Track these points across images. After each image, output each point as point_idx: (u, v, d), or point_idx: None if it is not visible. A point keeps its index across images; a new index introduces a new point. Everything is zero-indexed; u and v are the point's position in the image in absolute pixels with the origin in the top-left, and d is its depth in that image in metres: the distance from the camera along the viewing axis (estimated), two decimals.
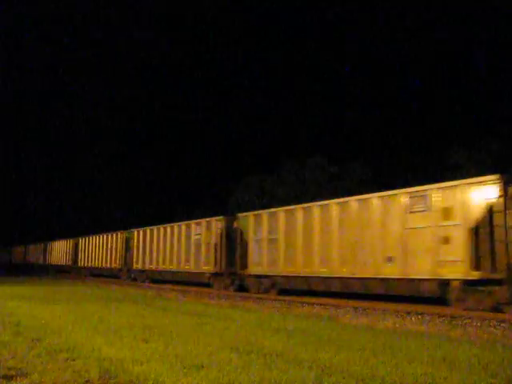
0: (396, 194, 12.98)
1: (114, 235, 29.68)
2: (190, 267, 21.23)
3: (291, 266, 15.89)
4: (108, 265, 30.19)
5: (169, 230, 23.55)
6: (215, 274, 19.60)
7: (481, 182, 11.25)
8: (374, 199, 13.57)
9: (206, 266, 20.04)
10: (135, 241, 26.91)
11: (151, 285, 23.85)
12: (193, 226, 21.50)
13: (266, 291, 16.97)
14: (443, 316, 10.55)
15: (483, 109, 33.80)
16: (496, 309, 10.77)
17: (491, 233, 10.86)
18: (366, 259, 13.45)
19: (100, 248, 31.69)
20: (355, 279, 13.79)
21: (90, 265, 33.45)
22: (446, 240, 11.55)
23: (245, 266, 17.98)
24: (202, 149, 67.34)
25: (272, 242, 16.77)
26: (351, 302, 13.63)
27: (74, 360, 5.28)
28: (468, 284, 11.15)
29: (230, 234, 19.03)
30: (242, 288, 18.38)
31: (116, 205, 58.37)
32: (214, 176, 50.43)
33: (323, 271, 14.73)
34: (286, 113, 66.28)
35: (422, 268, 11.99)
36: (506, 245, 10.51)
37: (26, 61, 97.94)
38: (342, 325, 9.18)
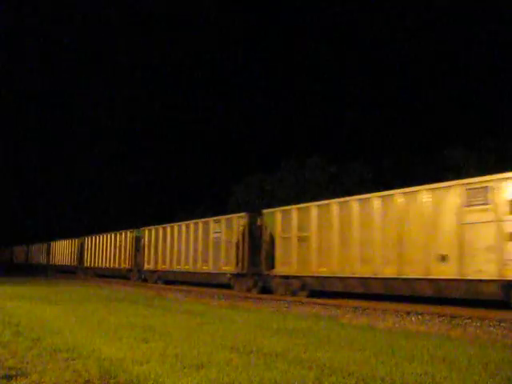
0: (450, 186, 11.86)
1: (123, 234, 28.35)
2: (208, 267, 19.97)
3: (325, 265, 14.63)
4: (116, 265, 28.91)
5: (184, 228, 22.27)
6: (237, 275, 18.36)
7: None
8: (423, 192, 12.33)
9: (227, 266, 18.80)
10: (146, 240, 25.72)
11: (163, 286, 22.88)
12: (211, 223, 20.20)
13: (295, 293, 15.76)
14: (443, 316, 10.55)
15: (483, 109, 33.81)
16: None
17: None
18: (414, 258, 12.23)
19: (107, 248, 30.44)
20: (400, 280, 12.58)
21: (96, 265, 32.20)
22: None
23: (271, 266, 16.74)
24: (202, 149, 67.39)
25: (303, 239, 15.52)
26: (351, 302, 13.63)
27: (74, 360, 5.28)
28: None
29: (253, 231, 17.81)
30: (265, 290, 17.25)
31: (116, 205, 58.39)
32: (214, 176, 50.51)
33: (363, 271, 13.45)
34: (286, 113, 66.31)
35: (482, 268, 10.84)
36: None
37: (26, 61, 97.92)
38: (342, 325, 9.18)
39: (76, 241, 36.72)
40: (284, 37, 76.21)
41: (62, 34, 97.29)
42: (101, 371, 4.72)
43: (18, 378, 4.55)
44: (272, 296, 15.99)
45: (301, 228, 15.69)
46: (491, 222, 10.88)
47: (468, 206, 11.36)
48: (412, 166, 28.92)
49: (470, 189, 11.43)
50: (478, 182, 11.42)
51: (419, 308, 11.88)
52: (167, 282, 23.58)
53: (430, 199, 12.17)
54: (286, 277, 16.19)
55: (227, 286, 19.13)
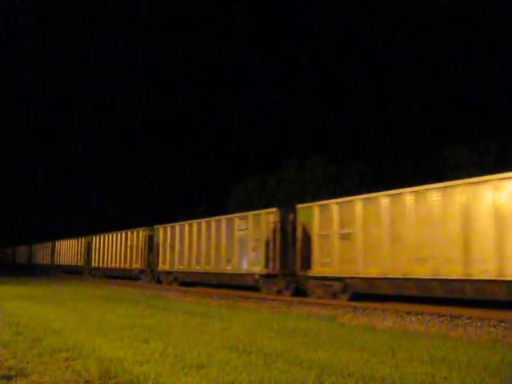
0: None
1: (135, 232, 26.78)
2: (233, 268, 18.46)
3: (373, 265, 13.20)
4: (127, 265, 27.33)
5: (204, 225, 20.66)
6: (266, 276, 16.84)
7: None
8: (494, 182, 11.00)
9: (254, 266, 17.29)
10: (161, 238, 24.10)
11: (178, 287, 21.51)
12: (236, 220, 18.65)
13: (335, 296, 14.36)
14: (443, 316, 10.55)
15: (483, 109, 33.82)
16: None
17: None
18: (486, 257, 10.88)
19: (117, 247, 28.76)
20: (468, 282, 11.12)
21: (105, 265, 30.50)
22: None
23: (307, 266, 15.22)
24: (201, 149, 67.40)
25: (345, 237, 14.08)
26: (351, 302, 13.62)
27: (73, 360, 5.28)
28: None
29: (285, 228, 16.34)
30: (299, 292, 15.83)
31: (116, 205, 58.41)
32: (213, 176, 50.52)
33: (421, 272, 12.04)
34: (286, 113, 66.31)
35: None
36: None
37: (26, 61, 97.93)
38: (342, 325, 9.18)
39: (83, 240, 35.13)
40: (284, 37, 76.28)
41: (61, 33, 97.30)
42: (101, 371, 4.71)
43: (18, 378, 4.55)
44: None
45: (343, 224, 14.24)
46: None
47: None
48: (412, 165, 28.94)
49: None
50: None
51: (419, 308, 11.89)
52: (184, 284, 22.14)
53: (508, 189, 10.72)
54: (325, 278, 14.73)
55: (253, 288, 17.66)
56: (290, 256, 16.05)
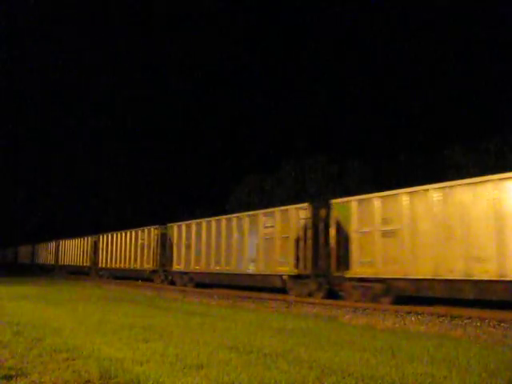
0: None
1: (146, 231, 25.52)
2: (257, 268, 17.19)
3: (422, 266, 11.99)
4: (138, 266, 26.00)
5: (224, 223, 19.34)
6: (296, 277, 15.65)
7: None
8: None
9: (282, 266, 16.04)
10: (175, 237, 22.80)
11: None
12: (260, 216, 17.37)
13: (375, 299, 13.17)
14: (443, 316, 10.55)
15: (483, 109, 33.83)
16: None
17: None
18: None
19: (127, 246, 27.48)
20: None
21: (113, 266, 29.16)
22: None
23: (344, 266, 14.02)
24: (201, 149, 67.40)
25: (389, 234, 12.91)
26: (351, 302, 13.62)
27: (73, 360, 5.28)
28: None
29: (317, 225, 15.20)
30: (332, 294, 14.80)
31: (116, 205, 58.41)
32: (213, 176, 50.53)
33: (482, 272, 10.76)
34: (286, 113, 66.32)
35: None
36: None
37: (26, 61, 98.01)
38: (342, 325, 9.18)
39: (89, 239, 33.67)
40: (284, 37, 76.27)
41: (61, 33, 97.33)
42: (101, 371, 4.72)
43: (18, 377, 4.55)
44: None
45: (387, 220, 13.03)
46: None
47: None
48: (412, 165, 28.94)
49: None
50: None
51: (419, 308, 11.89)
52: (199, 286, 20.96)
53: None
54: (364, 279, 13.50)
55: (279, 291, 16.51)
56: (322, 255, 14.93)
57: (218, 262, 19.45)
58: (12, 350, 5.74)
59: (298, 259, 15.50)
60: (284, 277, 16.04)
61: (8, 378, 4.55)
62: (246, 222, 18.13)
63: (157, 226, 24.78)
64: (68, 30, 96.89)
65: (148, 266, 25.00)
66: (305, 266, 15.29)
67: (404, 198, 12.73)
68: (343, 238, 14.20)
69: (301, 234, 15.46)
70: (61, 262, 39.79)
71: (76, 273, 35.56)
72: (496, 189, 10.91)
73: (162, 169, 63.43)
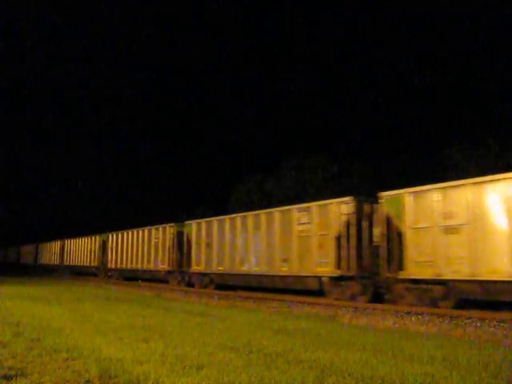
0: None
1: (161, 229, 24.00)
2: (291, 269, 15.71)
3: (498, 264, 10.54)
4: (152, 266, 24.50)
5: (250, 219, 17.87)
6: (337, 278, 14.19)
7: None
8: None
9: (321, 267, 14.55)
10: (193, 235, 21.24)
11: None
12: (294, 212, 15.91)
13: (433, 303, 11.86)
14: (443, 316, 10.55)
15: (483, 109, 33.85)
16: None
17: None
18: None
19: (139, 245, 26.07)
20: None
21: (124, 266, 27.72)
22: None
23: (396, 266, 12.60)
24: (202, 149, 67.40)
25: (452, 230, 11.53)
26: (351, 302, 13.61)
27: (74, 360, 5.28)
28: None
29: (360, 221, 13.93)
30: (378, 297, 13.41)
31: (116, 205, 58.43)
32: (214, 176, 50.55)
33: None
34: (286, 112, 66.32)
35: None
36: None
37: (26, 61, 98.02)
38: (342, 325, 9.18)
39: (97, 238, 32.15)
40: (284, 36, 76.30)
41: (61, 33, 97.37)
42: (101, 371, 4.71)
43: (18, 378, 4.55)
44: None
45: (448, 214, 11.65)
46: None
47: None
48: (412, 165, 28.95)
49: None
50: None
51: (419, 308, 11.88)
52: (221, 287, 19.49)
53: None
54: (421, 281, 12.16)
55: (316, 293, 15.14)
56: (367, 254, 13.63)
57: (243, 262, 18.03)
58: (12, 350, 5.74)
59: (340, 259, 14.03)
60: (325, 279, 14.53)
61: (8, 377, 4.55)
62: (276, 219, 16.65)
63: (173, 224, 23.33)
64: (68, 30, 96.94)
65: (163, 266, 23.45)
66: (348, 267, 13.80)
67: (467, 190, 11.40)
68: (394, 235, 12.78)
69: (343, 230, 14.04)
70: (66, 263, 38.56)
71: (83, 273, 34.37)
72: None
73: (161, 169, 63.48)
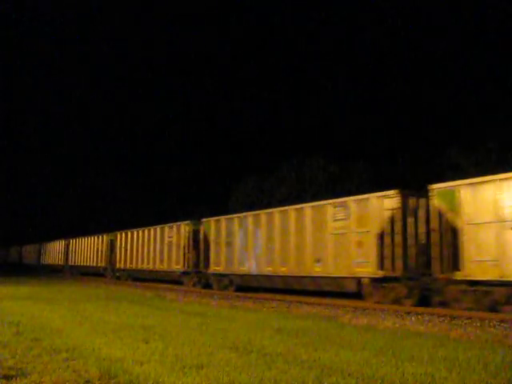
0: None
1: (175, 227, 22.59)
2: (325, 269, 14.42)
3: None
4: (165, 266, 23.09)
5: (277, 216, 16.59)
6: (379, 280, 12.96)
7: None
8: None
9: (360, 267, 13.30)
10: (212, 234, 19.87)
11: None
12: (328, 208, 14.61)
13: (494, 307, 10.69)
14: (443, 316, 10.55)
15: (483, 109, 33.85)
16: None
17: None
18: None
19: (151, 245, 24.79)
20: None
21: (134, 267, 26.55)
22: None
23: (451, 266, 11.38)
24: (202, 148, 67.44)
25: None
26: (351, 302, 13.61)
27: (74, 360, 5.28)
28: None
29: (406, 217, 12.60)
30: (424, 300, 12.21)
31: (116, 205, 58.42)
32: (214, 176, 50.58)
33: None
34: (286, 112, 66.38)
35: None
36: None
37: (26, 61, 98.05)
38: (342, 325, 9.18)
39: (105, 237, 30.92)
40: (284, 36, 76.31)
41: (61, 33, 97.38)
42: (101, 371, 4.72)
43: (18, 378, 4.55)
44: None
45: None
46: None
47: None
48: (412, 165, 28.95)
49: None
50: None
51: (419, 308, 11.88)
52: (241, 289, 18.16)
53: None
54: (480, 282, 10.88)
55: (353, 296, 13.94)
56: (413, 253, 12.37)
57: (269, 263, 16.65)
58: (12, 350, 5.74)
59: (383, 258, 12.80)
60: (365, 280, 13.27)
61: (8, 377, 4.55)
62: (307, 215, 15.35)
63: (188, 222, 21.89)
64: (68, 30, 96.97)
65: (177, 266, 22.01)
66: (393, 267, 12.55)
67: None
68: (448, 232, 11.55)
69: (386, 227, 12.78)
70: (71, 263, 37.24)
71: (89, 274, 33.17)
72: None
73: (161, 169, 63.53)
